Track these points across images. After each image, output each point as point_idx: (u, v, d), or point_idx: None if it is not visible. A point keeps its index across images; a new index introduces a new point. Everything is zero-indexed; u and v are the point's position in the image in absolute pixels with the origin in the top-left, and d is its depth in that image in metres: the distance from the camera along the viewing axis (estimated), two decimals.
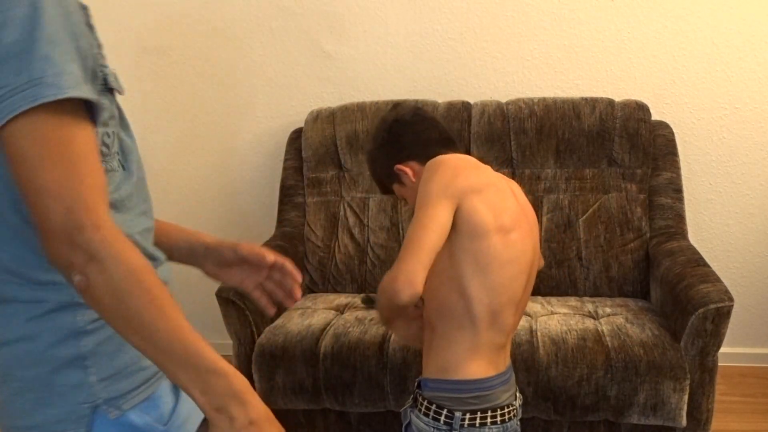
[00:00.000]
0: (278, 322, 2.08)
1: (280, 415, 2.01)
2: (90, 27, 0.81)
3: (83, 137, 0.74)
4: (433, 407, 1.32)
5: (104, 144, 0.82)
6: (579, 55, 2.51)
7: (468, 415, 1.30)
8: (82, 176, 0.73)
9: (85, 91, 0.74)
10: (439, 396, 1.32)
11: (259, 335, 2.01)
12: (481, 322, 1.30)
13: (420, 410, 1.34)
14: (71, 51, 0.74)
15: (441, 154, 1.43)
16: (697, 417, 1.85)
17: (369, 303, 2.21)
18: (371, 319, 2.04)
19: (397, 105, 1.67)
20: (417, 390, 1.37)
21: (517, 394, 1.41)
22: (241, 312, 1.98)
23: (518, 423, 1.40)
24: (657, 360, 1.79)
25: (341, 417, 2.01)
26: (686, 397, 1.80)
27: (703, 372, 1.83)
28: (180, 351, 0.79)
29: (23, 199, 0.73)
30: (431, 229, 1.27)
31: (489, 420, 1.31)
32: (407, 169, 1.48)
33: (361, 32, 2.57)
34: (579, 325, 1.95)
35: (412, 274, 1.23)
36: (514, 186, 1.44)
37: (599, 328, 1.93)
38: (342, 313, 2.15)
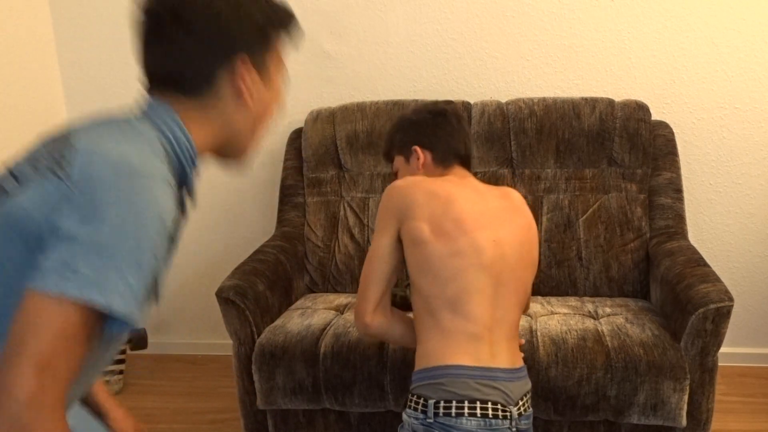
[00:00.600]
0: (278, 322, 2.08)
1: (281, 415, 2.02)
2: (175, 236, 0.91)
3: (91, 341, 0.80)
4: (414, 398, 1.40)
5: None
6: (579, 55, 2.52)
7: (442, 403, 1.34)
8: (71, 369, 0.78)
9: (135, 316, 0.80)
10: (418, 386, 1.39)
11: (259, 335, 2.01)
12: (440, 311, 1.41)
13: (408, 405, 1.41)
14: (144, 278, 0.81)
15: (452, 165, 1.63)
16: (697, 417, 1.85)
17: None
18: None
19: (451, 102, 1.82)
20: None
21: (521, 402, 1.41)
22: (241, 312, 1.98)
23: (522, 426, 1.40)
24: (657, 360, 1.79)
25: (341, 417, 2.01)
26: (686, 397, 1.80)
27: (703, 372, 1.83)
28: None
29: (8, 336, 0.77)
30: (375, 262, 1.51)
31: (466, 411, 1.33)
32: (421, 155, 1.64)
33: (361, 32, 2.57)
34: (579, 325, 1.95)
35: (361, 314, 1.49)
36: (492, 191, 1.59)
37: (599, 328, 1.93)
38: (342, 313, 2.15)
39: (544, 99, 2.37)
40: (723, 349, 1.85)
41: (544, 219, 2.31)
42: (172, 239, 0.92)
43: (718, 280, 1.86)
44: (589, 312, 2.08)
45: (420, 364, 1.41)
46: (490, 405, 1.34)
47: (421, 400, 1.37)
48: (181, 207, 0.99)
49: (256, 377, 1.96)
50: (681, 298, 1.87)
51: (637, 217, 2.29)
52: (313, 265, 2.43)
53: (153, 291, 0.90)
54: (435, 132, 1.65)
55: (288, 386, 1.93)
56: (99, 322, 0.80)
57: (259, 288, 2.07)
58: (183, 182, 0.96)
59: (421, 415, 1.36)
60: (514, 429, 1.38)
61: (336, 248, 2.42)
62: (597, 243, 2.28)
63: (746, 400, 2.43)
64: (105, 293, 0.77)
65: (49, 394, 0.76)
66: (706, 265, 1.98)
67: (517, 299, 1.49)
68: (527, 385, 1.46)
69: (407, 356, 1.89)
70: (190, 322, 2.91)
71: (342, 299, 2.28)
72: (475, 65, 2.56)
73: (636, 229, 2.28)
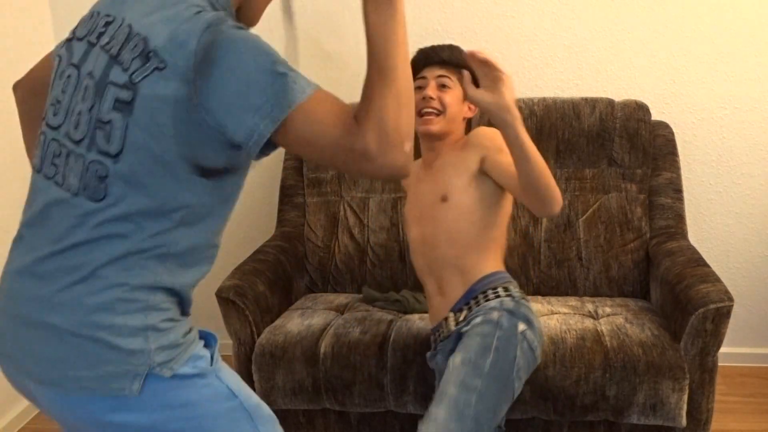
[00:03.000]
0: (278, 322, 2.08)
1: (281, 415, 2.02)
2: None
3: (327, 96, 1.01)
4: (496, 290, 1.64)
5: None
6: (579, 55, 2.51)
7: (519, 291, 1.68)
8: (341, 110, 1.00)
9: (314, 85, 1.00)
10: (495, 283, 1.67)
11: (259, 335, 2.01)
12: (503, 235, 1.75)
13: (494, 296, 1.63)
14: (288, 64, 0.99)
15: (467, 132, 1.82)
16: (696, 417, 1.85)
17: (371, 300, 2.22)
18: (371, 319, 2.05)
19: None
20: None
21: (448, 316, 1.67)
22: (241, 312, 1.98)
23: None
24: (656, 360, 1.79)
25: (341, 417, 2.01)
26: (686, 397, 1.80)
27: (703, 372, 1.83)
28: (389, 40, 1.06)
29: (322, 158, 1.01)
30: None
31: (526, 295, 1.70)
32: (475, 110, 1.80)
33: (361, 32, 2.55)
34: (578, 324, 1.95)
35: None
36: None
37: (599, 328, 1.93)
38: (342, 313, 2.15)
39: (544, 99, 2.37)
40: (723, 349, 1.85)
41: (544, 219, 2.31)
42: None
43: (718, 280, 1.86)
44: (589, 312, 2.08)
45: (491, 268, 1.67)
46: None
47: (502, 289, 1.63)
48: None
49: (256, 377, 1.96)
50: (681, 298, 1.87)
51: (637, 217, 2.29)
52: (313, 266, 2.43)
53: None
54: None
55: (288, 386, 1.93)
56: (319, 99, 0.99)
57: (259, 288, 2.07)
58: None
59: (508, 298, 1.61)
60: None
61: (336, 248, 2.42)
62: (597, 243, 2.28)
63: (746, 400, 2.43)
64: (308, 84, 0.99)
65: (373, 139, 0.96)
66: (706, 265, 1.97)
67: None
68: None
69: (407, 356, 1.89)
70: (190, 322, 2.90)
71: (342, 299, 2.28)
72: None
73: (636, 229, 2.28)
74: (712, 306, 1.76)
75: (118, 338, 0.99)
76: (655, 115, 2.39)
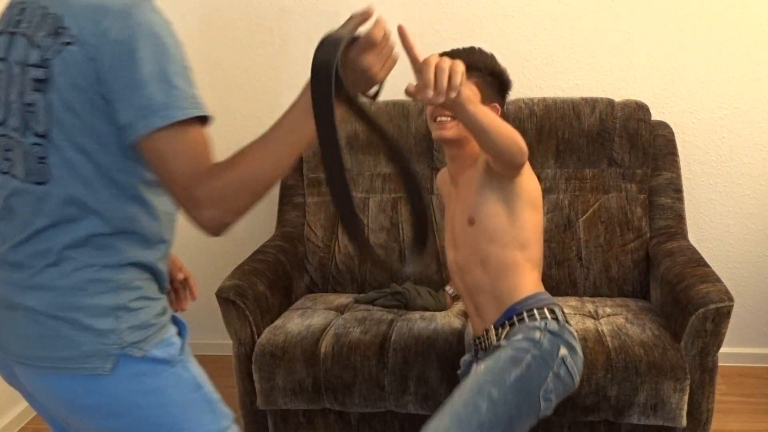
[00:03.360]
0: (278, 322, 2.08)
1: (281, 415, 2.02)
2: None
3: (203, 136, 1.02)
4: (540, 311, 1.57)
5: None
6: (579, 55, 2.51)
7: (562, 314, 1.62)
8: (203, 155, 1.01)
9: (203, 110, 1.01)
10: (536, 305, 1.60)
11: (259, 335, 2.01)
12: (537, 257, 1.67)
13: (531, 317, 1.57)
14: (190, 78, 1.00)
15: None
16: (697, 417, 1.85)
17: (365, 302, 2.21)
18: (372, 319, 2.05)
19: None
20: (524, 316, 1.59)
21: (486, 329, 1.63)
22: (241, 312, 1.98)
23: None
24: (657, 360, 1.79)
25: (341, 417, 2.01)
26: (686, 397, 1.80)
27: (703, 372, 1.83)
28: (294, 133, 1.07)
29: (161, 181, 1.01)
30: None
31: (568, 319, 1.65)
32: (499, 114, 1.66)
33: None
34: (579, 325, 1.95)
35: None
36: None
37: (599, 328, 1.93)
38: (342, 313, 2.15)
39: (544, 99, 2.37)
40: (723, 349, 1.85)
41: (544, 219, 2.30)
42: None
43: (718, 280, 1.86)
44: (589, 312, 2.08)
45: (526, 291, 1.61)
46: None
47: (545, 311, 1.56)
48: None
49: (256, 377, 1.96)
50: (681, 298, 1.87)
51: (637, 217, 2.29)
52: (313, 266, 2.43)
53: None
54: (505, 104, 1.78)
55: (288, 386, 1.93)
56: (195, 128, 1.00)
57: (259, 288, 2.07)
58: None
59: (553, 321, 1.55)
60: None
61: (336, 248, 2.42)
62: (597, 243, 2.28)
63: (746, 400, 2.43)
64: (178, 108, 0.97)
65: (203, 189, 0.98)
66: (706, 265, 1.97)
67: None
68: None
69: (407, 356, 1.89)
70: (190, 322, 2.89)
71: (342, 299, 2.28)
72: None
73: (636, 229, 2.28)
74: (712, 306, 1.76)
75: (91, 319, 1.03)
76: (655, 115, 2.39)
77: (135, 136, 0.97)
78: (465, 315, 2.08)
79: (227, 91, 2.68)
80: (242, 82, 2.67)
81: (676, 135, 2.37)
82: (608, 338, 1.87)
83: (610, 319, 2.00)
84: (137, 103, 0.96)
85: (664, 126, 2.38)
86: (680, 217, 2.29)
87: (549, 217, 2.30)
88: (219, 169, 1.00)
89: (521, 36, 2.52)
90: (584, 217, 2.30)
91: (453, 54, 1.70)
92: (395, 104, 2.41)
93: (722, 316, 1.77)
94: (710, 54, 2.45)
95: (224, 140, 2.77)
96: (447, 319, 2.04)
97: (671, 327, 1.92)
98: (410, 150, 2.39)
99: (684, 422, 1.81)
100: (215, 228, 1.01)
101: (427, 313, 2.10)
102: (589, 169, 2.33)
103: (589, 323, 1.97)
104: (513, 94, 2.52)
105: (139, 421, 1.07)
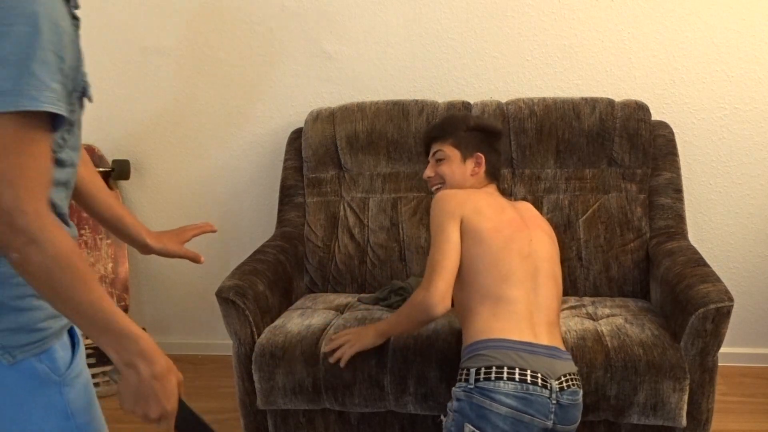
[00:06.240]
0: (278, 322, 2.08)
1: (281, 415, 2.02)
2: (77, 42, 0.96)
3: (44, 142, 0.89)
4: (462, 372, 1.53)
5: (62, 138, 0.97)
6: (579, 55, 2.52)
7: (483, 370, 1.48)
8: (35, 172, 0.87)
9: (59, 107, 0.88)
10: (465, 360, 1.55)
11: (259, 335, 2.01)
12: (488, 296, 1.61)
13: (458, 380, 1.54)
14: (56, 72, 0.88)
15: (492, 182, 1.92)
16: (697, 417, 1.85)
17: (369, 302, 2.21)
18: (371, 319, 2.05)
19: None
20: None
21: (564, 378, 1.52)
22: (241, 312, 1.98)
23: (564, 401, 1.50)
24: (657, 360, 1.79)
25: (341, 417, 2.01)
26: (686, 397, 1.80)
27: (703, 372, 1.83)
28: (100, 319, 0.92)
29: None
30: (451, 252, 1.64)
31: (505, 375, 1.44)
32: (483, 164, 1.88)
33: (361, 32, 2.57)
34: (578, 325, 1.95)
35: (442, 292, 1.58)
36: (517, 204, 1.91)
37: (599, 329, 1.93)
38: (342, 313, 2.15)
39: (544, 99, 2.37)
40: (723, 349, 1.85)
41: (545, 219, 2.30)
42: (76, 43, 0.97)
43: (718, 280, 1.86)
44: (589, 312, 2.08)
45: (467, 341, 1.58)
46: (529, 372, 1.46)
47: (464, 372, 1.51)
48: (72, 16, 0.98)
49: (256, 377, 1.96)
50: (681, 298, 1.87)
51: (637, 217, 2.29)
52: (313, 266, 2.43)
53: (81, 91, 0.99)
54: (496, 149, 1.94)
55: (288, 386, 1.93)
56: (38, 128, 0.88)
57: (259, 288, 2.07)
58: None
59: (464, 383, 1.49)
60: (554, 401, 1.47)
61: (336, 248, 2.42)
62: (597, 243, 2.28)
63: (746, 400, 2.43)
64: (30, 98, 0.85)
65: (37, 200, 0.86)
66: (706, 265, 1.97)
67: (554, 288, 1.70)
68: (571, 366, 1.58)
69: (407, 357, 1.89)
70: (190, 322, 2.91)
71: (342, 299, 2.28)
72: (475, 65, 2.56)
73: (636, 229, 2.28)
74: (712, 306, 1.76)
75: None
76: (655, 115, 2.39)
77: None
78: None
79: (227, 91, 2.68)
80: (242, 82, 2.67)
81: (676, 135, 2.37)
82: (608, 338, 1.87)
83: (610, 319, 2.00)
84: None
85: (664, 126, 2.38)
86: (680, 217, 2.29)
87: (549, 217, 2.30)
88: (49, 220, 0.88)
89: (521, 36, 2.52)
90: (584, 217, 2.30)
91: (426, 133, 2.02)
92: (395, 104, 2.41)
93: (722, 316, 1.77)
94: (710, 54, 2.45)
95: (223, 140, 2.78)
96: (447, 319, 2.04)
97: (671, 327, 1.92)
98: (410, 150, 2.39)
99: (684, 422, 1.81)
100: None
101: None
102: (589, 169, 2.33)
103: (589, 323, 1.97)
104: (513, 94, 2.55)
105: None
